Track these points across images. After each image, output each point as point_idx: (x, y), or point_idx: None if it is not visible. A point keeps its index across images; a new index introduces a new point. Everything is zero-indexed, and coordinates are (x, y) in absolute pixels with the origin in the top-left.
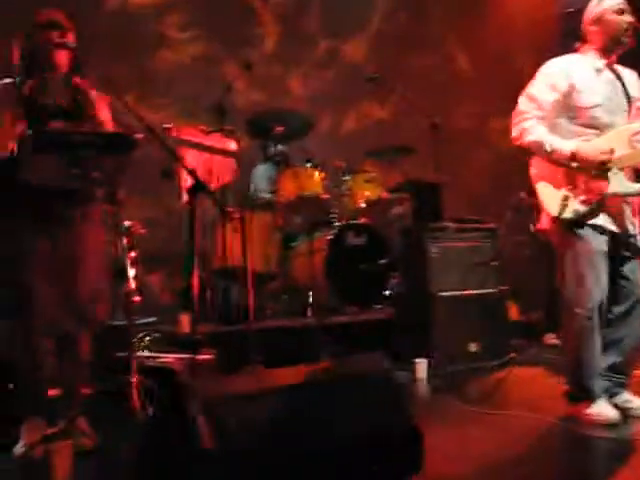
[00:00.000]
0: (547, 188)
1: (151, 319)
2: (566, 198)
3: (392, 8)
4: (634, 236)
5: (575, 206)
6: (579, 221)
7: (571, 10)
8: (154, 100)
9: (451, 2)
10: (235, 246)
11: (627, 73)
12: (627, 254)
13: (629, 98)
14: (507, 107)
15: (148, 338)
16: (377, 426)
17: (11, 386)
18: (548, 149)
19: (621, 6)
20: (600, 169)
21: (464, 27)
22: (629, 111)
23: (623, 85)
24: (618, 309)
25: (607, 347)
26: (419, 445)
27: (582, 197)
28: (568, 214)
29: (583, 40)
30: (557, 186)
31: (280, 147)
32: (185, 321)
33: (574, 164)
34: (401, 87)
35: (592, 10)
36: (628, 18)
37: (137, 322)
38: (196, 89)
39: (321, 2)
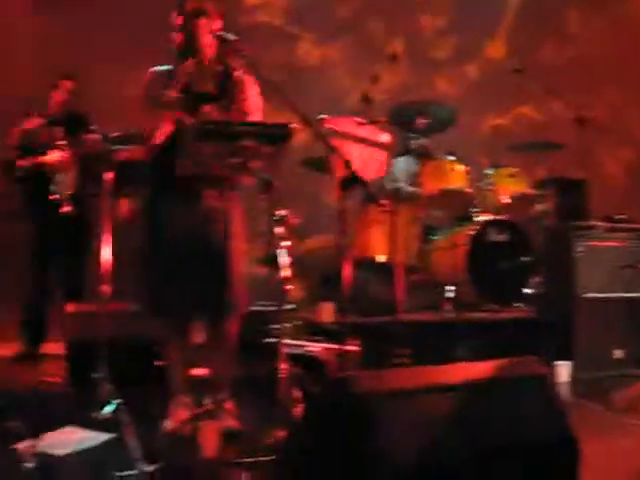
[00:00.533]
0: None
1: (290, 306)
2: None
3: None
4: None
5: None
6: None
7: None
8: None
9: None
10: (376, 238)
11: None
12: None
13: None
14: None
15: (288, 325)
16: (532, 433)
17: (160, 363)
18: None
19: None
20: None
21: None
22: None
23: None
24: None
25: None
26: (576, 457)
27: None
28: None
29: None
30: None
31: (421, 140)
32: (326, 310)
33: None
34: (545, 80)
35: None
36: None
37: (274, 308)
38: (343, 82)
39: None
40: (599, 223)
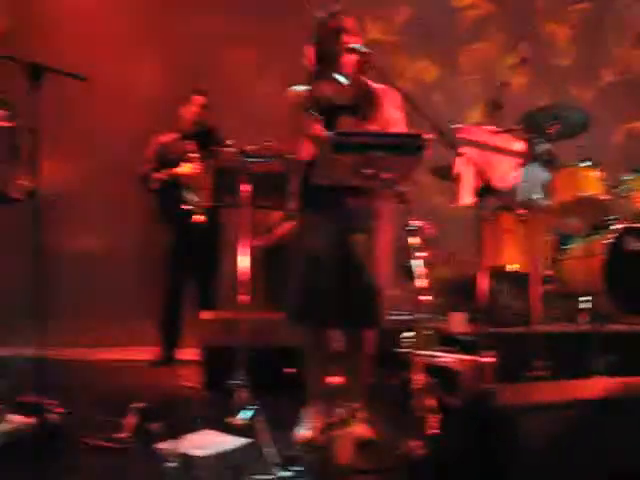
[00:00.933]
0: None
1: (426, 316)
2: None
3: None
4: None
5: None
6: None
7: None
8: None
9: None
10: (509, 247)
11: None
12: None
13: None
14: None
15: (421, 335)
16: None
17: (294, 370)
18: None
19: None
20: None
21: None
22: None
23: None
24: None
25: None
26: None
27: None
28: None
29: None
30: None
31: (547, 145)
32: (457, 320)
33: None
34: None
35: None
36: None
37: (407, 318)
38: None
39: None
40: None
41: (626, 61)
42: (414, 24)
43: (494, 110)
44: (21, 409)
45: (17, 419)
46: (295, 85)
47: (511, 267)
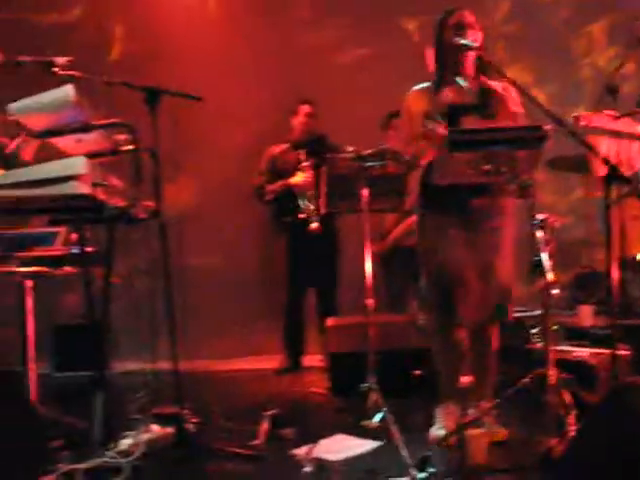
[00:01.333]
0: None
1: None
2: None
3: None
4: None
5: None
6: None
7: None
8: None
9: None
10: (635, 235)
11: None
12: None
13: None
14: None
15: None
16: None
17: (422, 372)
18: None
19: None
20: None
21: None
22: None
23: None
24: None
25: None
26: None
27: None
28: None
29: None
30: None
31: None
32: (586, 313)
33: None
34: None
35: None
36: None
37: (535, 314)
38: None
39: None
40: None
41: None
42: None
43: (611, 94)
44: (160, 420)
45: (157, 429)
46: (415, 86)
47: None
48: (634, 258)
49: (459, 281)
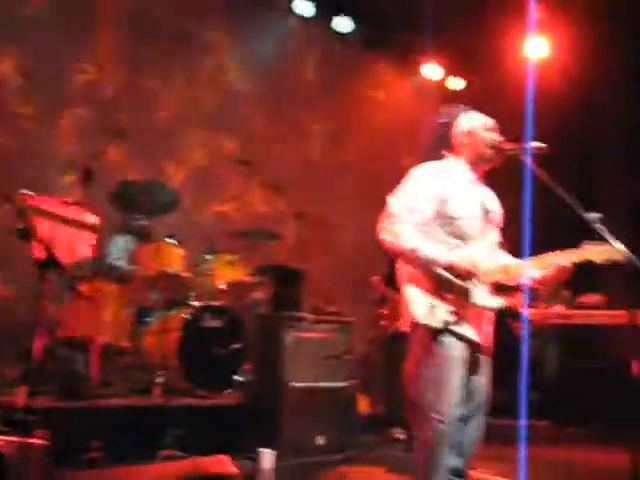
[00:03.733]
0: (415, 293)
1: None
2: (434, 306)
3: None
4: (486, 346)
5: (443, 315)
6: (445, 329)
7: (445, 121)
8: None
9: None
10: (84, 316)
11: (484, 188)
12: (478, 361)
13: (487, 211)
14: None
15: None
16: None
17: None
18: (423, 256)
19: (491, 125)
20: (467, 278)
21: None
22: (487, 223)
23: (483, 197)
24: (463, 412)
25: (450, 450)
26: None
27: (450, 307)
28: (436, 323)
29: (452, 150)
30: (425, 292)
31: (142, 220)
32: (22, 394)
33: (442, 273)
34: (266, 174)
35: (464, 123)
36: (496, 137)
37: None
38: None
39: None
40: (308, 315)
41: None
42: None
43: (86, 179)
44: None
45: None
46: None
47: (83, 336)
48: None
49: None
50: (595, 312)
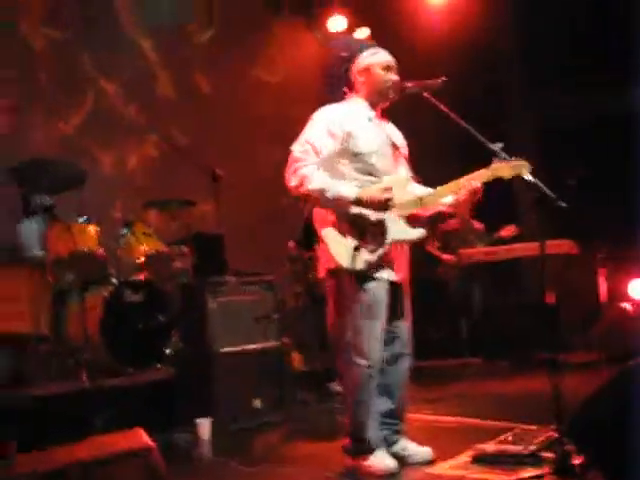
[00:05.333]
0: (335, 237)
1: None
2: (357, 249)
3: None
4: (404, 284)
5: (366, 256)
6: (367, 272)
7: (344, 55)
8: None
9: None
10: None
11: (387, 123)
12: (399, 301)
13: (394, 145)
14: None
15: None
16: None
17: None
18: (331, 196)
19: (389, 63)
20: (383, 209)
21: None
22: (395, 158)
23: (388, 133)
24: (387, 354)
25: (379, 393)
26: None
27: (370, 246)
28: (360, 265)
29: (350, 88)
30: (343, 235)
31: (47, 200)
32: None
33: (356, 210)
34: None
35: (361, 61)
36: (393, 76)
37: None
38: None
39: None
40: (230, 278)
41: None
42: None
43: None
44: None
45: None
46: None
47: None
48: None
49: None
50: (515, 246)
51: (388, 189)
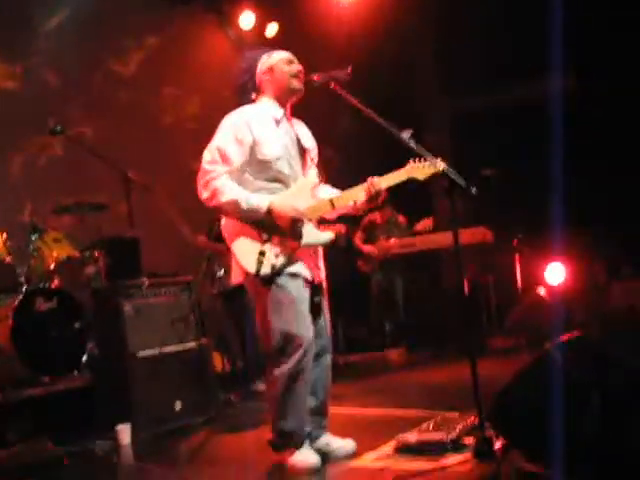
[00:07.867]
0: (242, 245)
1: None
2: (262, 254)
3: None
4: (321, 283)
5: (272, 260)
6: (277, 273)
7: (243, 66)
8: None
9: None
10: None
11: (298, 124)
12: (317, 299)
13: (303, 149)
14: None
15: None
16: None
17: None
18: (244, 207)
19: (290, 57)
20: (293, 226)
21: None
22: (304, 162)
23: (297, 136)
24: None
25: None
26: None
27: (276, 250)
28: (265, 270)
29: (258, 91)
30: (252, 241)
31: None
32: None
33: (267, 220)
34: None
35: (264, 62)
36: (296, 67)
37: None
38: None
39: None
40: (144, 281)
41: None
42: None
43: None
44: None
45: None
46: None
47: None
48: None
49: None
50: (431, 236)
51: (295, 207)
